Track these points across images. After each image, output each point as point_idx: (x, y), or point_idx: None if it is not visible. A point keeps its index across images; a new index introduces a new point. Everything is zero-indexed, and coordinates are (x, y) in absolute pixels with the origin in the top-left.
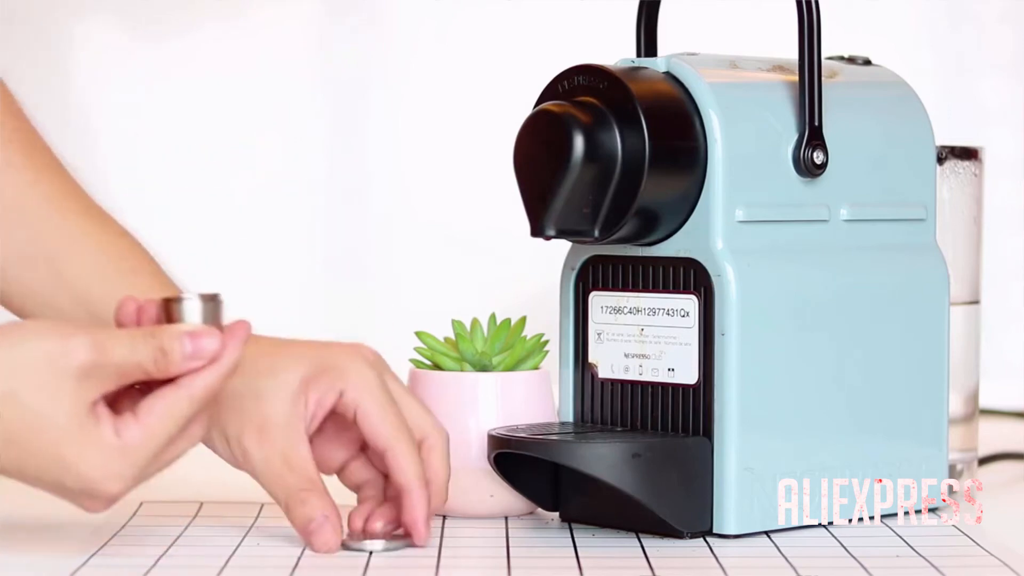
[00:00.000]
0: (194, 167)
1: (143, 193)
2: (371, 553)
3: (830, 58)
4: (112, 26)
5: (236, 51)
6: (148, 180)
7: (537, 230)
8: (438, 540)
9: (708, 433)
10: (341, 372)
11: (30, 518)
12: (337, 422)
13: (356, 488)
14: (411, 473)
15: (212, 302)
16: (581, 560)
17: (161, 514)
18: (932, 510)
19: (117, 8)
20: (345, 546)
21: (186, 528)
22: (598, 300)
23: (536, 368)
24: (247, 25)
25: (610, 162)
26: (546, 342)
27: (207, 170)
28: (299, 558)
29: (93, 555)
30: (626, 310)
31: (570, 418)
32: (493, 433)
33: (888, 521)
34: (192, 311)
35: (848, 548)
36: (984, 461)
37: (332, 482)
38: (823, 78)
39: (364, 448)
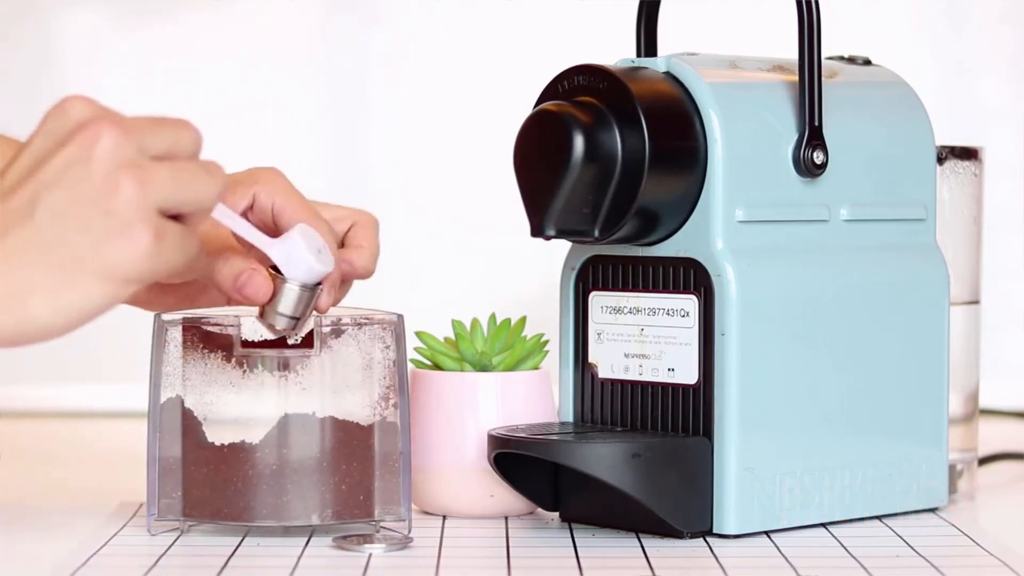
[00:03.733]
0: None
1: None
2: (371, 555)
3: (830, 58)
4: (103, 15)
5: (232, 42)
6: None
7: (537, 230)
8: (438, 540)
9: (708, 433)
10: (253, 178)
11: (30, 518)
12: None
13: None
14: (325, 233)
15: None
16: (581, 560)
17: None
18: (932, 510)
19: None
20: (344, 549)
21: (186, 528)
22: (598, 300)
23: (536, 368)
24: (243, 16)
25: (610, 162)
26: (546, 342)
27: None
28: (299, 558)
29: (93, 555)
30: (626, 310)
31: (570, 418)
32: (493, 433)
33: (888, 521)
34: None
35: (848, 548)
36: (984, 461)
37: None
38: (823, 78)
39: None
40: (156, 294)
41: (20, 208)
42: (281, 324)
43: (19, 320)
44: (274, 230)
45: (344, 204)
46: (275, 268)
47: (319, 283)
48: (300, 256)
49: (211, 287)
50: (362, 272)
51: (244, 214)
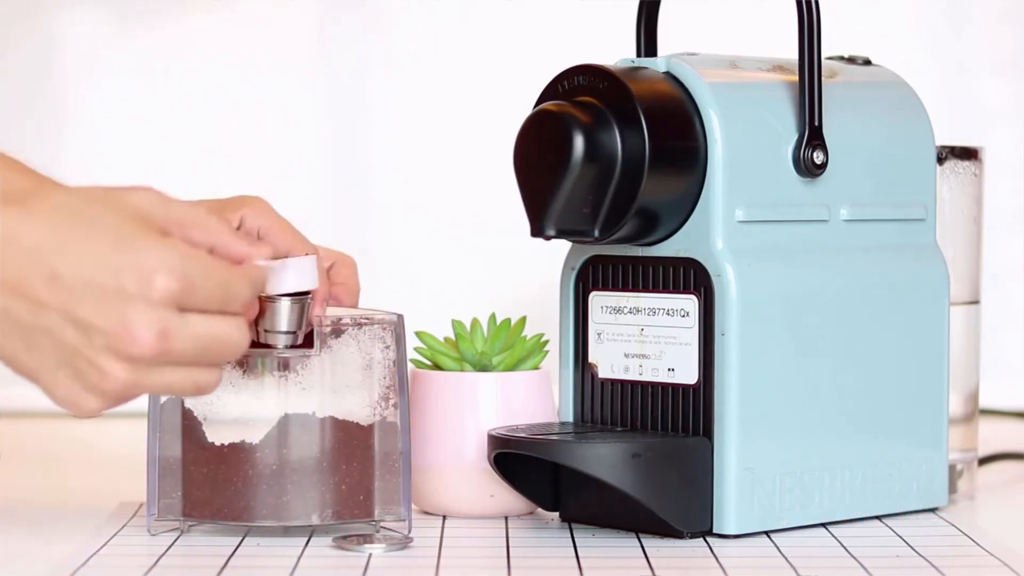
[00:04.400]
0: (189, 162)
1: None
2: (371, 555)
3: (830, 58)
4: (103, 16)
5: (232, 43)
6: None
7: (537, 230)
8: (438, 540)
9: (708, 433)
10: (241, 202)
11: (30, 518)
12: None
13: None
14: (311, 250)
15: (299, 303)
16: (581, 560)
17: None
18: (932, 510)
19: None
20: (344, 549)
21: (186, 528)
22: (598, 300)
23: (536, 368)
24: (243, 17)
25: (610, 162)
26: (546, 342)
27: (202, 165)
28: (299, 558)
29: (93, 555)
30: (626, 310)
31: (570, 418)
32: (493, 433)
33: (888, 521)
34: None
35: (848, 548)
36: (984, 461)
37: None
38: (823, 78)
39: None
40: None
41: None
42: (281, 342)
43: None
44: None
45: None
46: None
47: (307, 292)
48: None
49: None
50: (347, 306)
51: None
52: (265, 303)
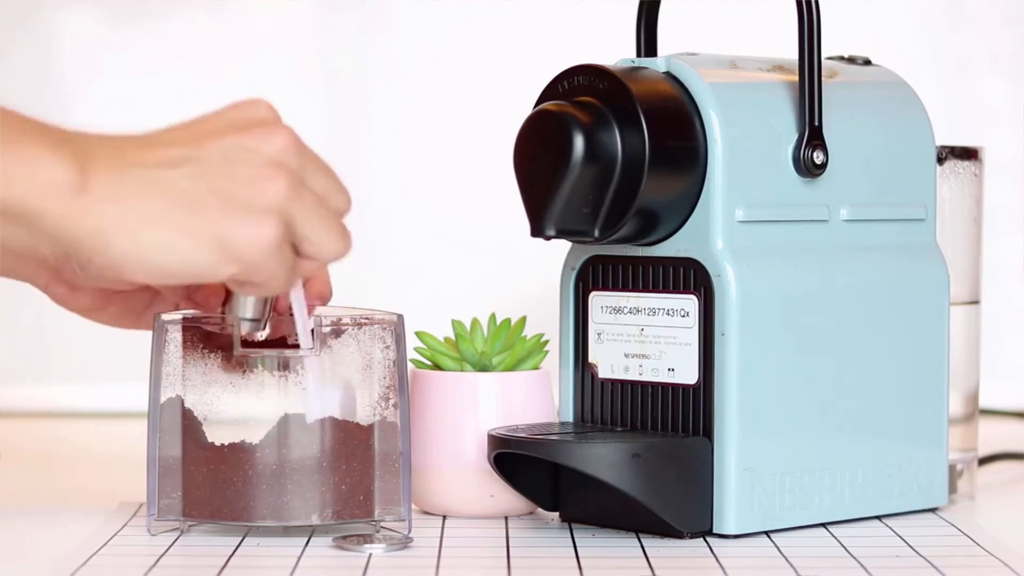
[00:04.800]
0: None
1: None
2: (371, 555)
3: (830, 58)
4: (101, 15)
5: (231, 42)
6: None
7: (537, 230)
8: (438, 540)
9: (708, 433)
10: None
11: (30, 518)
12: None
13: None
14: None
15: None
16: (581, 560)
17: None
18: (932, 510)
19: None
20: (344, 549)
21: (186, 528)
22: (598, 300)
23: (536, 368)
24: (243, 16)
25: (610, 162)
26: (546, 342)
27: None
28: (299, 558)
29: (93, 555)
30: (626, 310)
31: (570, 418)
32: (493, 433)
33: (888, 521)
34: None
35: (848, 548)
36: (984, 461)
37: None
38: (823, 78)
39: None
40: (102, 300)
41: (175, 156)
42: (245, 328)
43: (130, 244)
44: None
45: None
46: None
47: None
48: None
49: (161, 297)
50: (323, 298)
51: None
52: (229, 290)
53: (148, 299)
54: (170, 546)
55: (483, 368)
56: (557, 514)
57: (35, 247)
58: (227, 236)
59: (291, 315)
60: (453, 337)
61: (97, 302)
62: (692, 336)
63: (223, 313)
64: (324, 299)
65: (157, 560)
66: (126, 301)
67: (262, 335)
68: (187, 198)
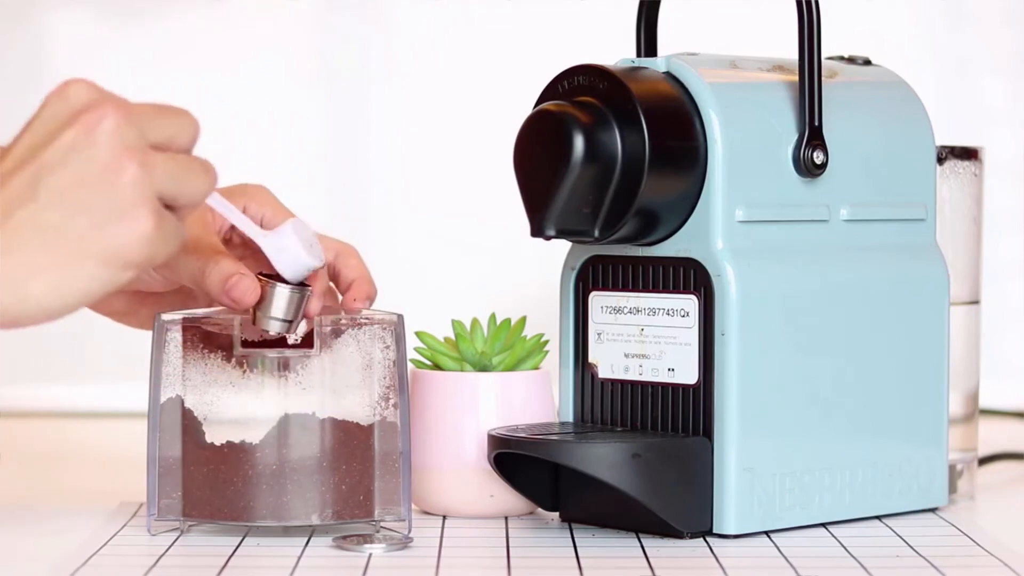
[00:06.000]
0: None
1: None
2: (371, 555)
3: (830, 58)
4: (97, 14)
5: (230, 41)
6: None
7: (537, 230)
8: (438, 540)
9: (708, 433)
10: (243, 190)
11: (30, 518)
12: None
13: None
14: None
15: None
16: (581, 560)
17: None
18: (932, 510)
19: None
20: (344, 549)
21: (186, 528)
22: (598, 300)
23: (536, 368)
24: (242, 16)
25: (610, 162)
26: (546, 342)
27: None
28: (299, 558)
29: (93, 555)
30: (626, 310)
31: (570, 418)
32: (493, 433)
33: (888, 521)
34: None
35: (848, 548)
36: (984, 461)
37: None
38: (823, 78)
39: None
40: (135, 303)
41: (22, 190)
42: (275, 328)
43: (18, 300)
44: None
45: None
46: (264, 274)
47: (308, 285)
48: (291, 247)
49: (193, 298)
50: (370, 298)
51: (232, 226)
52: (265, 287)
53: (181, 301)
54: (170, 546)
55: (483, 368)
56: (557, 514)
57: None
58: (108, 248)
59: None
60: (453, 337)
61: (131, 305)
62: (692, 336)
63: (255, 313)
64: (371, 298)
65: (157, 560)
66: (159, 304)
67: (293, 338)
68: (54, 230)
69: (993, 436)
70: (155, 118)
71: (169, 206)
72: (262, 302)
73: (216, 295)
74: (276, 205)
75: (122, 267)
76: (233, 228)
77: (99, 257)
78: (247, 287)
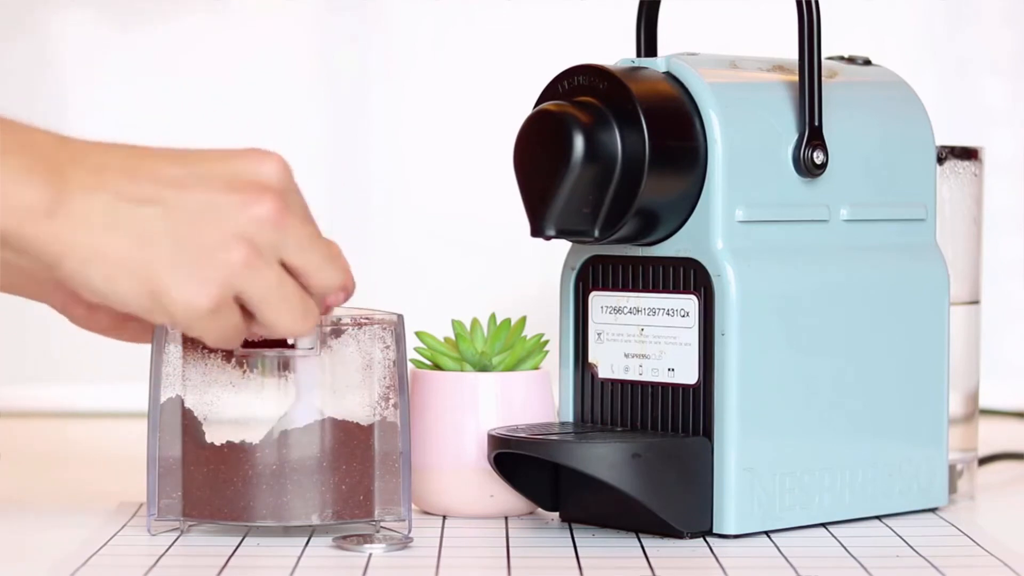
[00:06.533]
0: None
1: None
2: (371, 555)
3: (830, 58)
4: (98, 18)
5: (231, 42)
6: None
7: (537, 230)
8: (438, 540)
9: (708, 433)
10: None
11: (30, 518)
12: None
13: None
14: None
15: None
16: (581, 560)
17: None
18: (932, 510)
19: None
20: (344, 549)
21: (186, 528)
22: (598, 300)
23: (536, 368)
24: (243, 16)
25: (610, 162)
26: (546, 342)
27: None
28: (299, 558)
29: (93, 555)
30: (626, 310)
31: (570, 418)
32: (493, 433)
33: (888, 521)
34: None
35: (848, 548)
36: (984, 461)
37: None
38: (823, 78)
39: None
40: (119, 319)
41: (147, 194)
42: (304, 344)
43: (79, 271)
44: None
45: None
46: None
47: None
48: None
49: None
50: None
51: None
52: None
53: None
54: (170, 546)
55: (483, 368)
56: (557, 514)
57: (29, 267)
58: (163, 290)
59: None
60: (453, 337)
61: (115, 322)
62: (692, 336)
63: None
64: (347, 292)
65: (157, 560)
66: (143, 321)
67: (305, 342)
68: (145, 239)
69: (993, 436)
70: (305, 244)
71: (245, 310)
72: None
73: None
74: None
75: (161, 311)
76: None
77: (151, 287)
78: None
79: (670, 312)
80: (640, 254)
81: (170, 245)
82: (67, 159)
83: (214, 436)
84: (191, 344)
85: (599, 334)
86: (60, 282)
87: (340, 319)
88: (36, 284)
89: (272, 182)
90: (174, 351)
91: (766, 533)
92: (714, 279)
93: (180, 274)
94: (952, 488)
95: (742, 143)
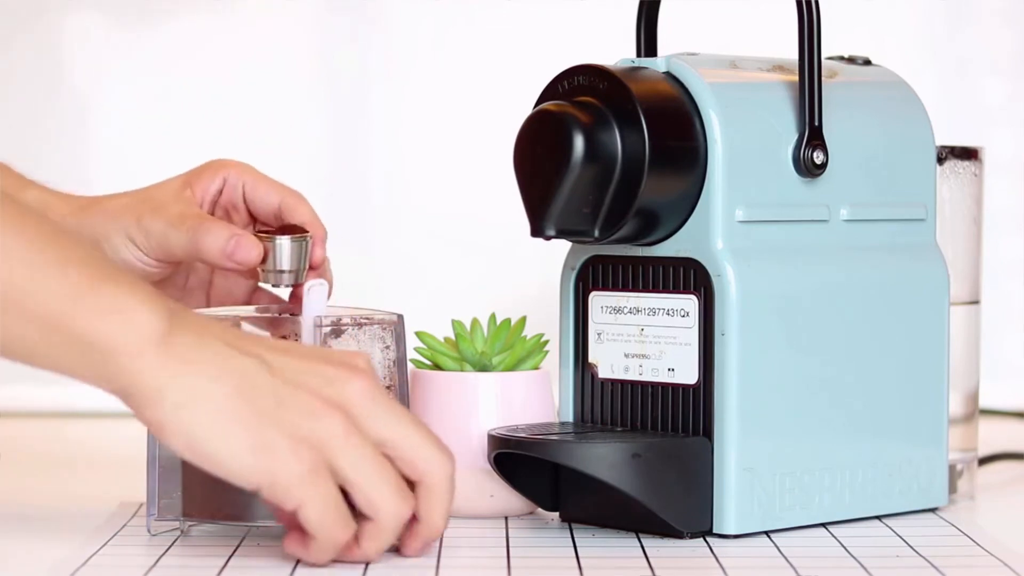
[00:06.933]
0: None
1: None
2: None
3: (830, 58)
4: (104, 18)
5: (232, 43)
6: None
7: (537, 230)
8: (438, 540)
9: (708, 433)
10: (222, 165)
11: (30, 518)
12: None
13: None
14: (309, 213)
15: (299, 242)
16: (581, 560)
17: None
18: (932, 510)
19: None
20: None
21: (186, 528)
22: (598, 300)
23: (536, 368)
24: (244, 17)
25: (610, 162)
26: (546, 342)
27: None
28: (299, 558)
29: (93, 555)
30: (626, 310)
31: (570, 418)
32: (493, 433)
33: (888, 521)
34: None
35: (848, 548)
36: (984, 461)
37: None
38: (823, 78)
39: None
40: None
41: (249, 350)
42: (285, 280)
43: (174, 412)
44: (244, 209)
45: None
46: (262, 230)
47: (307, 232)
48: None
49: (188, 291)
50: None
51: (215, 197)
52: (266, 243)
53: (175, 297)
54: (170, 546)
55: (483, 368)
56: (557, 514)
57: (94, 382)
58: (266, 445)
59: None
60: (453, 337)
61: None
62: (692, 336)
63: (260, 270)
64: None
65: (157, 560)
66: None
67: (286, 281)
68: (249, 391)
69: (993, 436)
70: (404, 428)
71: (344, 492)
72: (266, 258)
73: (217, 260)
74: (255, 173)
75: (264, 470)
76: (214, 203)
77: (257, 440)
78: (248, 247)
79: (670, 312)
80: (640, 254)
81: (273, 401)
82: (175, 306)
83: None
84: None
85: (599, 334)
86: (146, 425)
87: (340, 319)
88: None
89: (364, 366)
90: None
91: (766, 533)
92: (714, 279)
93: (283, 432)
94: (952, 488)
95: (742, 143)
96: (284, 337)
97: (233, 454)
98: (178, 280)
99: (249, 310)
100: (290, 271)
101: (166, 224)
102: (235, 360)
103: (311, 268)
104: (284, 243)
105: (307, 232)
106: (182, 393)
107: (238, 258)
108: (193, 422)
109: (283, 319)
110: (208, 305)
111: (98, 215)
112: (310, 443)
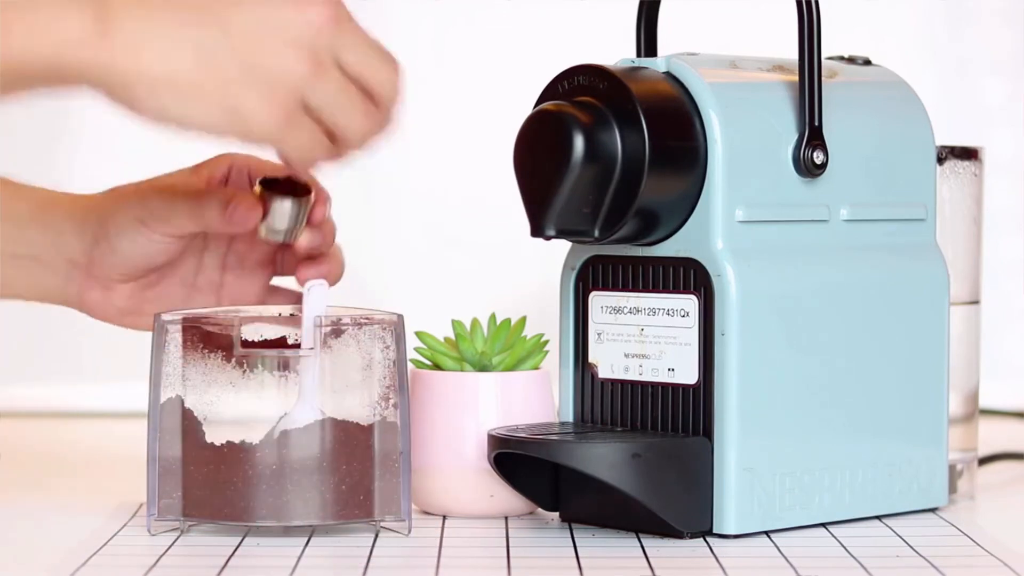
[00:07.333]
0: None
1: None
2: (377, 533)
3: (830, 58)
4: None
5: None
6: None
7: (537, 230)
8: (438, 540)
9: (708, 433)
10: (227, 155)
11: (30, 518)
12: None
13: None
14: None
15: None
16: (581, 560)
17: None
18: (932, 510)
19: None
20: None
21: (186, 528)
22: (598, 300)
23: (536, 368)
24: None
25: (610, 162)
26: (546, 342)
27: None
28: (299, 558)
29: (93, 555)
30: (626, 310)
31: (570, 418)
32: (493, 433)
33: (888, 521)
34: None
35: (848, 548)
36: (984, 461)
37: None
38: (823, 78)
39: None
40: (135, 298)
41: (192, 16)
42: (281, 238)
43: (149, 96)
44: (248, 188)
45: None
46: (262, 184)
47: (309, 192)
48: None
49: (196, 292)
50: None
51: (223, 179)
52: (268, 202)
53: (184, 295)
54: (170, 546)
55: (483, 368)
56: (557, 514)
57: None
58: (238, 106)
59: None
60: (453, 337)
61: (133, 300)
62: (692, 336)
63: (259, 225)
64: (333, 278)
65: (157, 560)
66: (160, 301)
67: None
68: (209, 60)
69: (993, 436)
70: (361, 45)
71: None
72: (266, 216)
73: (219, 226)
74: (258, 160)
75: (239, 130)
76: (225, 181)
77: (226, 104)
78: (247, 207)
79: (670, 312)
80: (640, 254)
81: (235, 62)
82: None
83: (214, 436)
84: (191, 344)
85: (599, 334)
86: (129, 107)
87: (340, 319)
88: (52, 270)
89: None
90: (174, 351)
91: (766, 533)
92: (714, 279)
93: (251, 88)
94: (952, 488)
95: (742, 143)
96: (283, 338)
97: (212, 123)
98: (187, 277)
99: (259, 310)
100: (287, 229)
101: (171, 195)
102: (185, 36)
103: (310, 224)
104: (283, 203)
105: (310, 192)
106: (146, 81)
107: (237, 218)
108: (170, 104)
109: (295, 319)
110: (219, 305)
111: (106, 199)
112: (278, 92)
